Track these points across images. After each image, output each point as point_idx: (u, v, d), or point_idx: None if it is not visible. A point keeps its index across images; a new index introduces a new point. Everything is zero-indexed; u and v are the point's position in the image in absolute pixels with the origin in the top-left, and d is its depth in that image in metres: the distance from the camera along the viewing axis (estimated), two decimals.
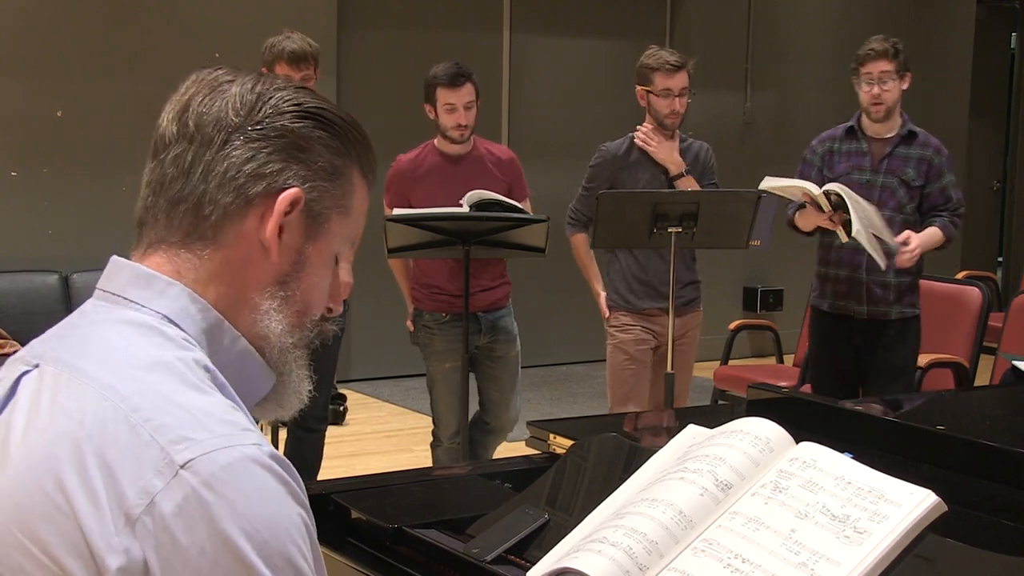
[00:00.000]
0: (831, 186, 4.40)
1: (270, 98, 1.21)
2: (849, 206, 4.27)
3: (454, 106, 4.50)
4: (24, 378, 1.18)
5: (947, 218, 4.60)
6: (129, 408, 1.08)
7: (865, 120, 4.69)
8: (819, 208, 4.41)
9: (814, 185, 4.43)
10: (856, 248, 4.51)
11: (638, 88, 4.65)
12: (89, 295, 1.25)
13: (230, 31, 6.97)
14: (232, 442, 1.07)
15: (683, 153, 4.70)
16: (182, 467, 1.05)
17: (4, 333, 6.07)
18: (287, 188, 1.20)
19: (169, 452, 1.05)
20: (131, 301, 1.18)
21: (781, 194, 4.61)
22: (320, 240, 1.24)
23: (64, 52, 6.72)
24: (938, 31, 9.89)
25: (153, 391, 1.10)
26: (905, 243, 4.45)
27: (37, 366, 1.18)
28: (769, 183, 4.44)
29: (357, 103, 7.34)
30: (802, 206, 4.58)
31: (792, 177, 4.63)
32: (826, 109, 9.37)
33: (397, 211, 4.43)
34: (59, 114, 6.74)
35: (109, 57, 6.84)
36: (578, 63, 8.67)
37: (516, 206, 4.49)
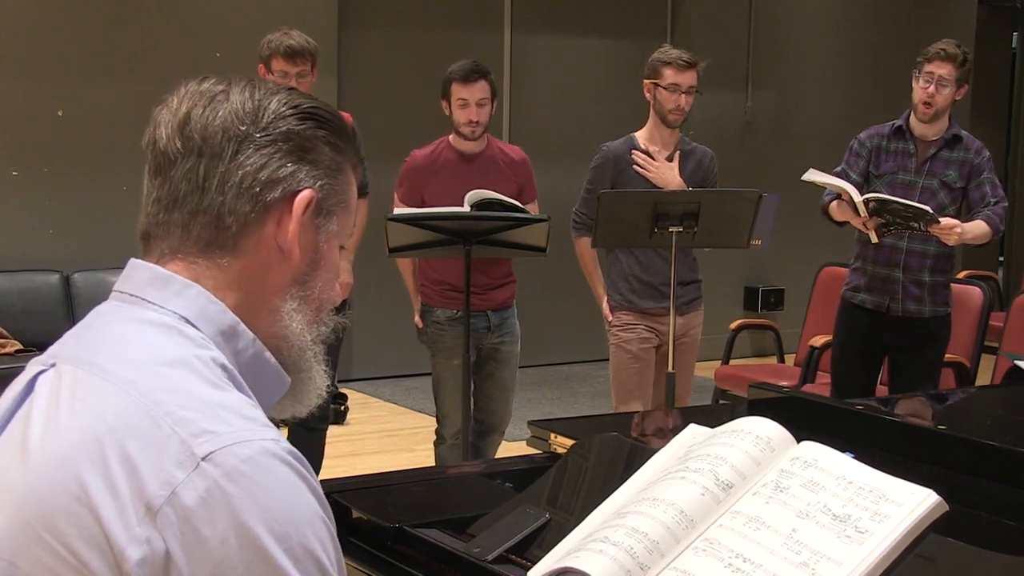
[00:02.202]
0: (871, 195, 4.53)
1: (269, 103, 1.23)
2: (888, 197, 4.47)
3: (466, 102, 4.54)
4: (40, 377, 1.18)
5: (987, 211, 4.65)
6: (150, 402, 1.09)
7: (913, 120, 4.75)
8: (855, 210, 4.54)
9: (856, 191, 4.54)
10: (895, 247, 4.68)
11: (646, 82, 4.64)
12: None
13: (230, 31, 6.97)
14: (253, 436, 1.09)
15: (686, 156, 4.70)
16: (203, 459, 1.06)
17: (4, 332, 6.09)
18: (301, 190, 1.22)
19: (190, 444, 1.06)
20: (149, 301, 1.19)
21: (822, 185, 4.71)
22: (330, 235, 1.26)
23: (64, 52, 6.72)
24: (939, 31, 9.85)
25: (174, 386, 1.11)
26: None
27: (53, 365, 1.18)
28: (812, 176, 4.57)
29: (357, 103, 7.34)
30: (838, 196, 4.67)
31: (831, 167, 4.79)
32: (827, 109, 9.39)
33: (398, 210, 4.43)
34: (60, 114, 6.74)
35: (109, 57, 6.84)
36: (579, 63, 8.67)
37: (517, 205, 4.49)
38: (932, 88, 4.62)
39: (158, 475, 1.05)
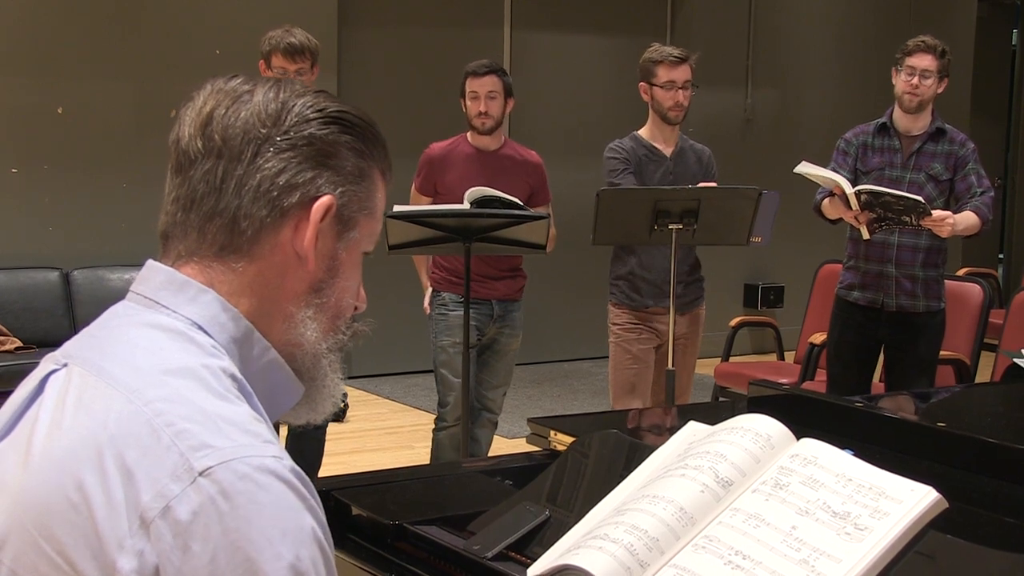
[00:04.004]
0: (863, 187, 4.53)
1: (293, 105, 1.20)
2: (880, 189, 4.47)
3: (477, 94, 4.74)
4: (52, 376, 1.17)
5: (975, 201, 4.67)
6: (152, 412, 1.08)
7: (897, 116, 4.78)
8: (847, 204, 4.54)
9: (847, 183, 4.55)
10: (886, 242, 4.70)
11: (641, 84, 4.66)
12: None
13: (231, 29, 6.96)
14: (252, 452, 1.07)
15: (685, 152, 4.71)
16: (200, 474, 1.04)
17: (5, 329, 6.09)
18: (320, 196, 1.20)
19: (189, 458, 1.05)
20: (162, 305, 1.18)
21: (814, 180, 4.71)
22: (351, 243, 1.24)
23: (65, 49, 6.72)
24: (939, 28, 9.85)
25: (178, 396, 1.09)
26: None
27: (66, 365, 1.17)
28: (805, 168, 4.58)
29: (358, 100, 7.30)
30: (831, 194, 4.68)
31: (826, 165, 4.77)
32: (827, 106, 9.38)
33: (398, 208, 4.43)
34: (60, 111, 6.74)
35: (110, 54, 6.84)
36: (579, 60, 8.67)
37: (517, 203, 4.51)
38: (916, 79, 4.68)
39: (154, 487, 1.04)
